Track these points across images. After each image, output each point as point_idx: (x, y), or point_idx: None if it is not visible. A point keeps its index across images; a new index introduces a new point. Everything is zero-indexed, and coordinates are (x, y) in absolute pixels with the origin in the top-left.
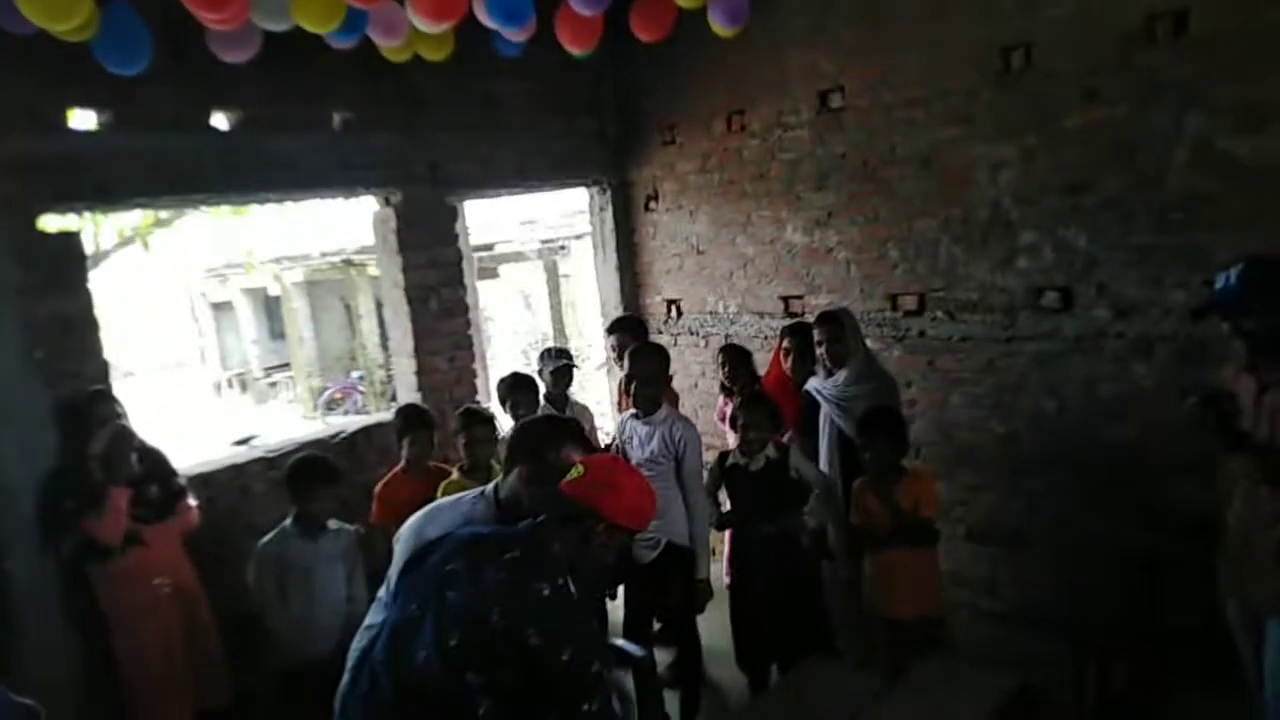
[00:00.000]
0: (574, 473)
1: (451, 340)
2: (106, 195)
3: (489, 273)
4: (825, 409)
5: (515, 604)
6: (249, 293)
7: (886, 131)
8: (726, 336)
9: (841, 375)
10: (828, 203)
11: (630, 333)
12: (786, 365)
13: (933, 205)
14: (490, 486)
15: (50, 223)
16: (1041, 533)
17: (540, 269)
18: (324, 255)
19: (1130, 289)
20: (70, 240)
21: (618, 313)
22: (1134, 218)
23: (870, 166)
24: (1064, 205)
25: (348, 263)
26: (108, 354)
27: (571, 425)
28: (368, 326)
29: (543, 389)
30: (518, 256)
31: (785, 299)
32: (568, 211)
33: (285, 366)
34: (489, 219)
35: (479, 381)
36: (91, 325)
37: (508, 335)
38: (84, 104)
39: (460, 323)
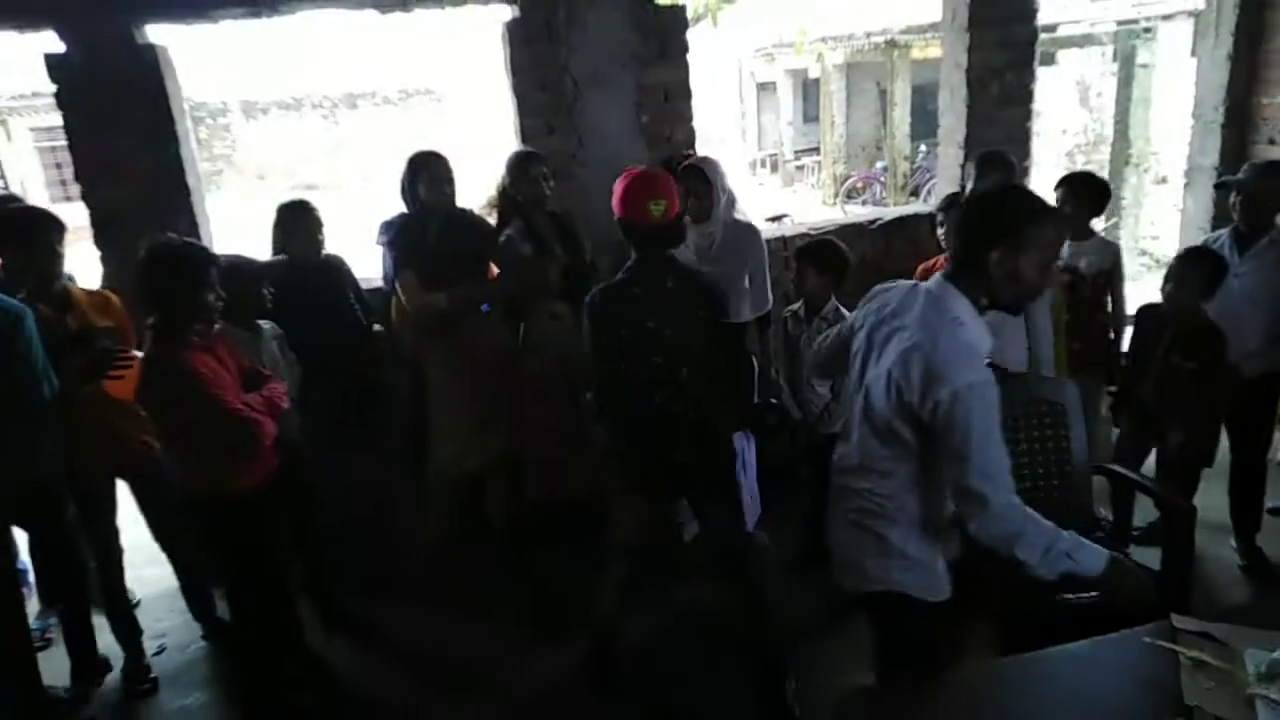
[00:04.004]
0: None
1: (1005, 131)
2: None
3: (1045, 58)
4: None
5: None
6: (791, 74)
7: None
8: None
9: None
10: None
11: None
12: None
13: None
14: None
15: None
16: None
17: (1109, 57)
18: (868, 35)
19: None
20: (677, 13)
21: (1217, 116)
22: None
23: None
24: None
25: (891, 44)
26: (695, 123)
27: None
28: (899, 115)
29: None
30: (1085, 40)
31: None
32: None
33: (814, 151)
34: None
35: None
36: (686, 94)
37: (1054, 134)
38: None
39: (1020, 113)
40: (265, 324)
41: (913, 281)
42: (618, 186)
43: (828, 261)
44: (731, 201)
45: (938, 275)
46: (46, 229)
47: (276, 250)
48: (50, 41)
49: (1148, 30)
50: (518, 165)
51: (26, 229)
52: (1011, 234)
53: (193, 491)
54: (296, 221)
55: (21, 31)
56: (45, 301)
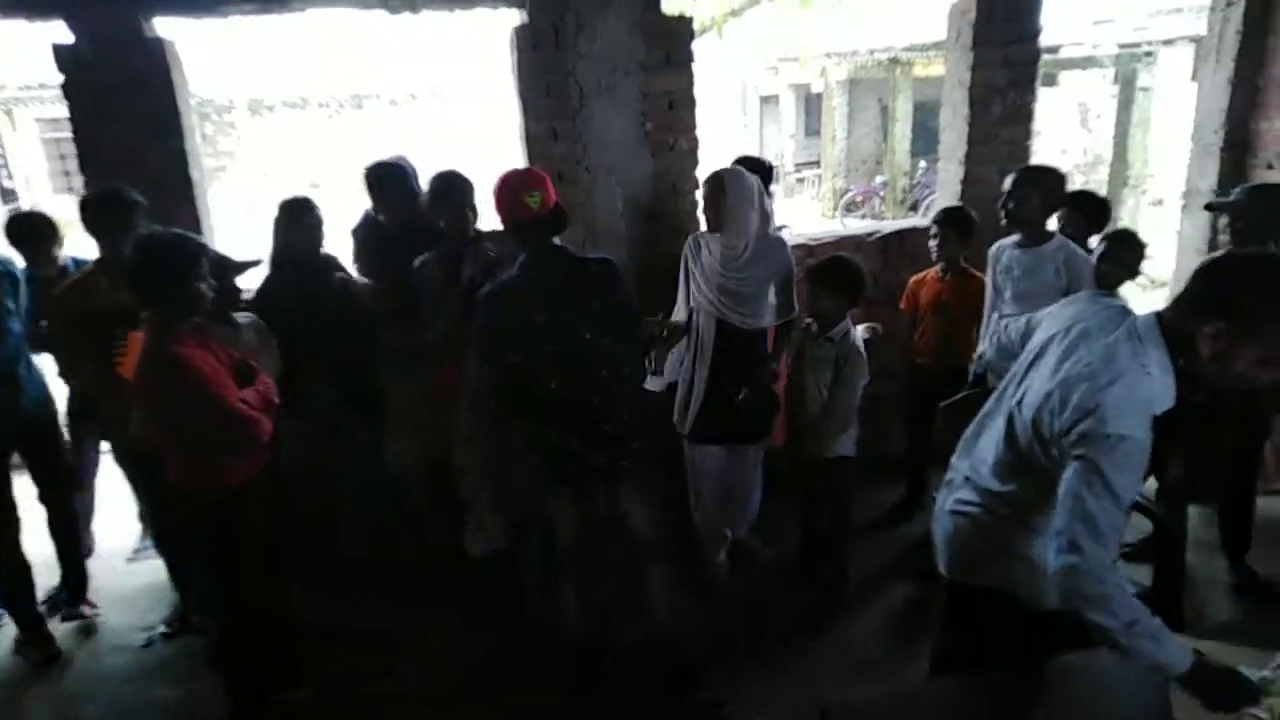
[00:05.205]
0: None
1: (1007, 150)
2: None
3: (1047, 79)
4: None
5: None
6: (794, 88)
7: None
8: None
9: None
10: None
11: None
12: None
13: None
14: None
15: (669, 5)
16: None
17: (1109, 79)
18: (872, 52)
19: None
20: (683, 23)
21: (1216, 139)
22: None
23: None
24: None
25: (894, 61)
26: (699, 131)
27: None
28: (900, 131)
29: None
30: (1086, 62)
31: None
32: (1157, 10)
33: (815, 164)
34: (1055, 16)
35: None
36: (690, 103)
37: (1054, 153)
38: None
39: (1020, 131)
40: (244, 317)
41: (1121, 304)
42: (494, 193)
43: (836, 282)
44: (765, 217)
45: (1151, 312)
46: (132, 209)
47: (276, 245)
48: (59, 32)
49: (1149, 54)
50: (442, 193)
51: (117, 209)
52: (1240, 316)
53: (179, 485)
54: (297, 218)
55: (31, 20)
56: (111, 272)
